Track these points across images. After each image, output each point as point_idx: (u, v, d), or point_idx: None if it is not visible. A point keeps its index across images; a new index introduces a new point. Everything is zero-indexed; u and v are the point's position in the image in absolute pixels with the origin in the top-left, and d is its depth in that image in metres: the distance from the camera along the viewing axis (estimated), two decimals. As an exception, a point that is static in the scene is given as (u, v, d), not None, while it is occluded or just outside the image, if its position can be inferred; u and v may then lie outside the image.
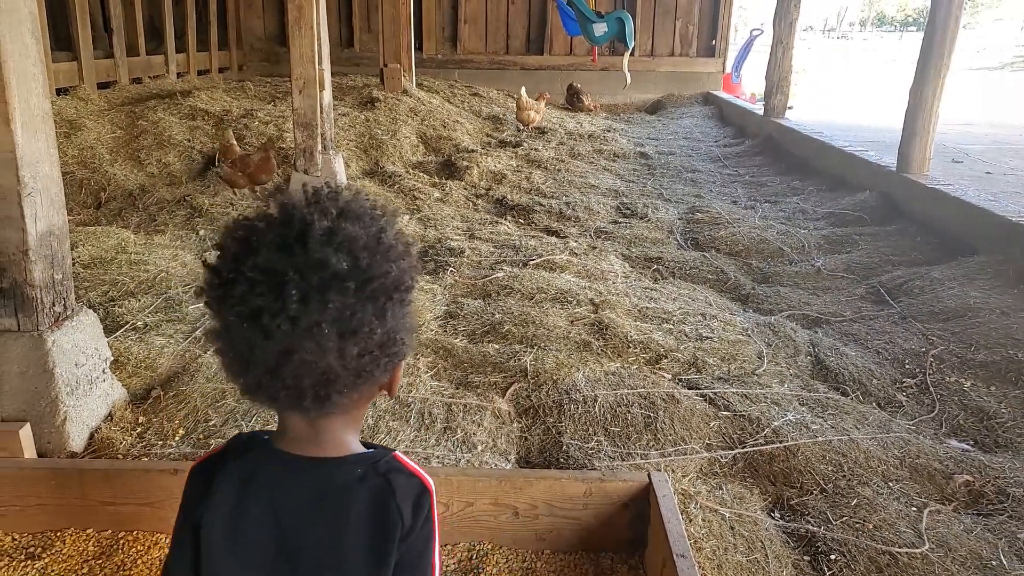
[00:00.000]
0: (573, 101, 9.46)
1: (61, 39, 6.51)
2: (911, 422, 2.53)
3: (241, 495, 0.92)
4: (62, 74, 6.24)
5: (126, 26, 7.27)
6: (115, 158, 5.10)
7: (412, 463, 0.97)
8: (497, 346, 2.81)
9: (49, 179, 2.05)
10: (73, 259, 2.51)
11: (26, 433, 1.99)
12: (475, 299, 3.31)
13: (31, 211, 1.98)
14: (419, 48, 9.88)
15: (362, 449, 0.97)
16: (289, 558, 0.91)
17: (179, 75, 8.16)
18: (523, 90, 7.62)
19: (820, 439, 2.31)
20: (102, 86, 6.80)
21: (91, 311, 2.29)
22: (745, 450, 2.29)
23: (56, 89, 6.03)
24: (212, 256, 0.90)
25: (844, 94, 13.85)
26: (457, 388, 2.54)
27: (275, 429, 0.97)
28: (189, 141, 5.41)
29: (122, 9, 7.19)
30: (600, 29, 8.07)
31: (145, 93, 6.89)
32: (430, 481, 0.96)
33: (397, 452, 0.97)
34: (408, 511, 0.92)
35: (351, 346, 0.86)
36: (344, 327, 0.85)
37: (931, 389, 2.74)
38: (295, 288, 0.82)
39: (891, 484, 2.16)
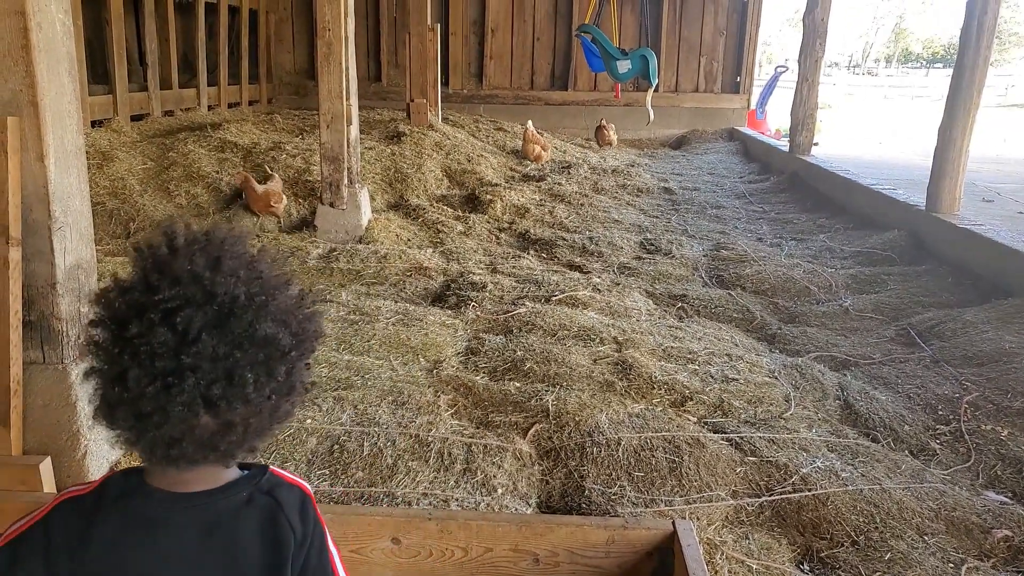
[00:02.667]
0: (598, 136, 9.54)
1: (98, 73, 6.69)
2: (946, 472, 2.45)
3: (120, 544, 0.89)
4: (97, 107, 6.40)
5: (160, 60, 7.46)
6: (145, 189, 5.19)
7: (287, 473, 1.01)
8: (519, 384, 2.78)
9: (79, 214, 2.08)
10: (100, 291, 2.53)
11: (46, 467, 1.98)
12: (497, 335, 3.29)
13: (60, 245, 2.00)
14: (445, 83, 10.02)
15: (237, 472, 0.97)
16: None
17: (210, 108, 8.34)
18: (529, 123, 7.74)
19: (851, 488, 2.24)
20: (135, 118, 6.96)
21: (115, 344, 2.30)
22: (772, 498, 2.22)
23: (91, 121, 6.19)
24: (111, 345, 0.84)
25: (870, 130, 13.77)
26: (478, 427, 2.50)
27: (144, 465, 0.93)
28: (217, 173, 5.50)
29: (157, 44, 7.39)
30: (624, 66, 8.12)
31: (176, 125, 7.04)
32: (308, 486, 1.01)
33: (272, 466, 1.00)
34: (297, 521, 0.95)
35: (285, 403, 0.91)
36: (283, 390, 0.89)
37: (966, 437, 2.65)
38: (249, 372, 0.84)
39: (926, 538, 2.08)
